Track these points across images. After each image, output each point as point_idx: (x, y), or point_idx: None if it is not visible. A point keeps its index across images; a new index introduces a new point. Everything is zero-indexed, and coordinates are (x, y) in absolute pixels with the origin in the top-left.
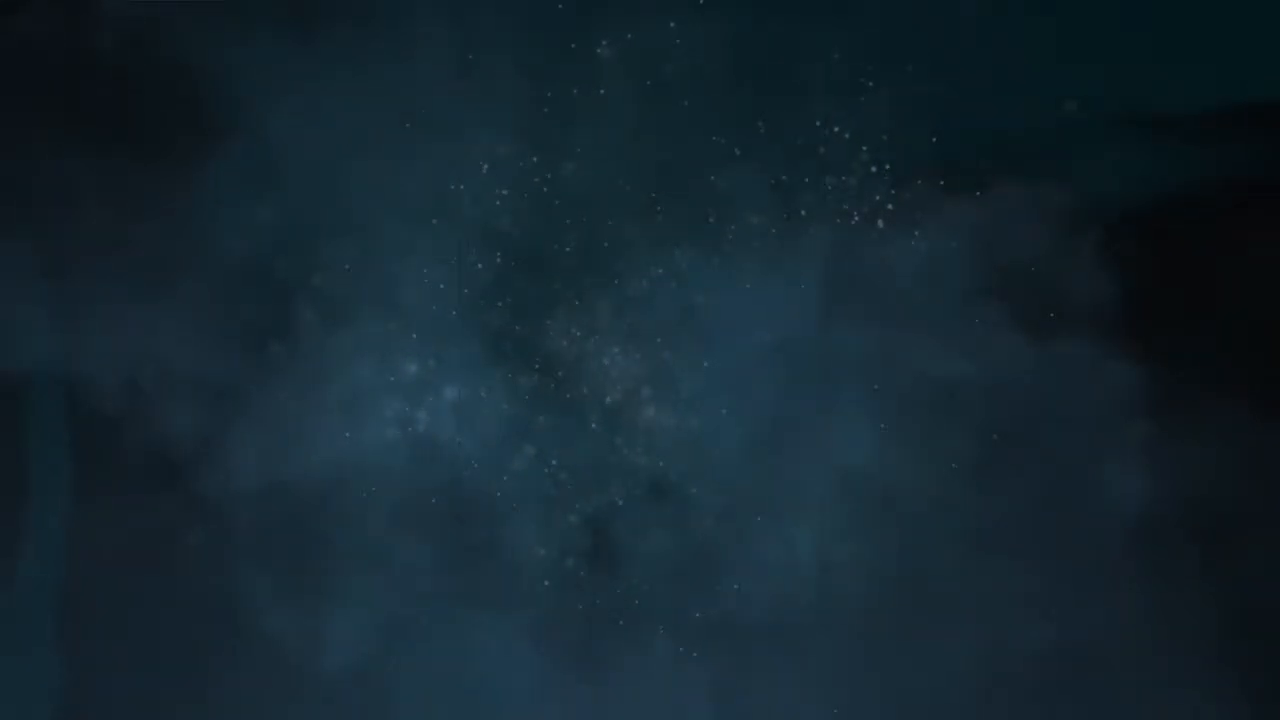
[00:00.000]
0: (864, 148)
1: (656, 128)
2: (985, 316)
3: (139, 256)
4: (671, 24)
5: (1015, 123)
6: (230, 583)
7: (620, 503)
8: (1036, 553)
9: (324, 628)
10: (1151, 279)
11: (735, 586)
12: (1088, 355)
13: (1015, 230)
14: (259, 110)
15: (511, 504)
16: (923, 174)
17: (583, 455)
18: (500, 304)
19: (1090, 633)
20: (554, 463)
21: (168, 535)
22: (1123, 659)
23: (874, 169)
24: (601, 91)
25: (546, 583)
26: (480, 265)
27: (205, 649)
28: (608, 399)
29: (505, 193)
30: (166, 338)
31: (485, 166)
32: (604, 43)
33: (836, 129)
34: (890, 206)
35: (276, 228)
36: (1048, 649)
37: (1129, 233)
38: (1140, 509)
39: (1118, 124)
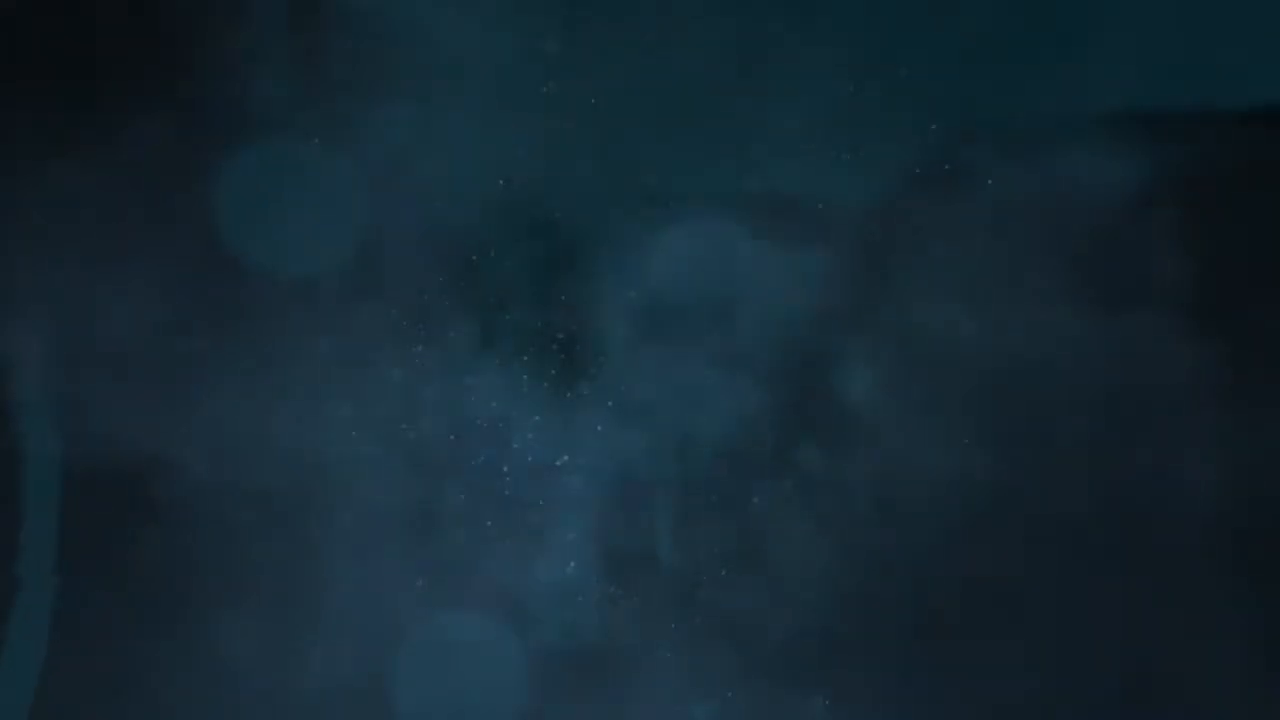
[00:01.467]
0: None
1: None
2: (1041, 295)
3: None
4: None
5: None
6: (197, 592)
7: (633, 506)
8: (1102, 553)
9: (307, 644)
10: (1226, 248)
11: (762, 596)
12: (1156, 335)
13: (1071, 202)
14: (231, 61)
15: (512, 507)
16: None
17: (589, 456)
18: (499, 292)
19: (1166, 643)
20: (565, 458)
21: (121, 540)
22: (1203, 671)
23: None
24: (592, 101)
25: (553, 586)
26: (475, 257)
27: (169, 664)
28: (612, 399)
29: (504, 182)
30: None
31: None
32: (579, 40)
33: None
34: (921, 179)
35: (252, 196)
36: (1116, 661)
37: (1199, 202)
38: (1221, 504)
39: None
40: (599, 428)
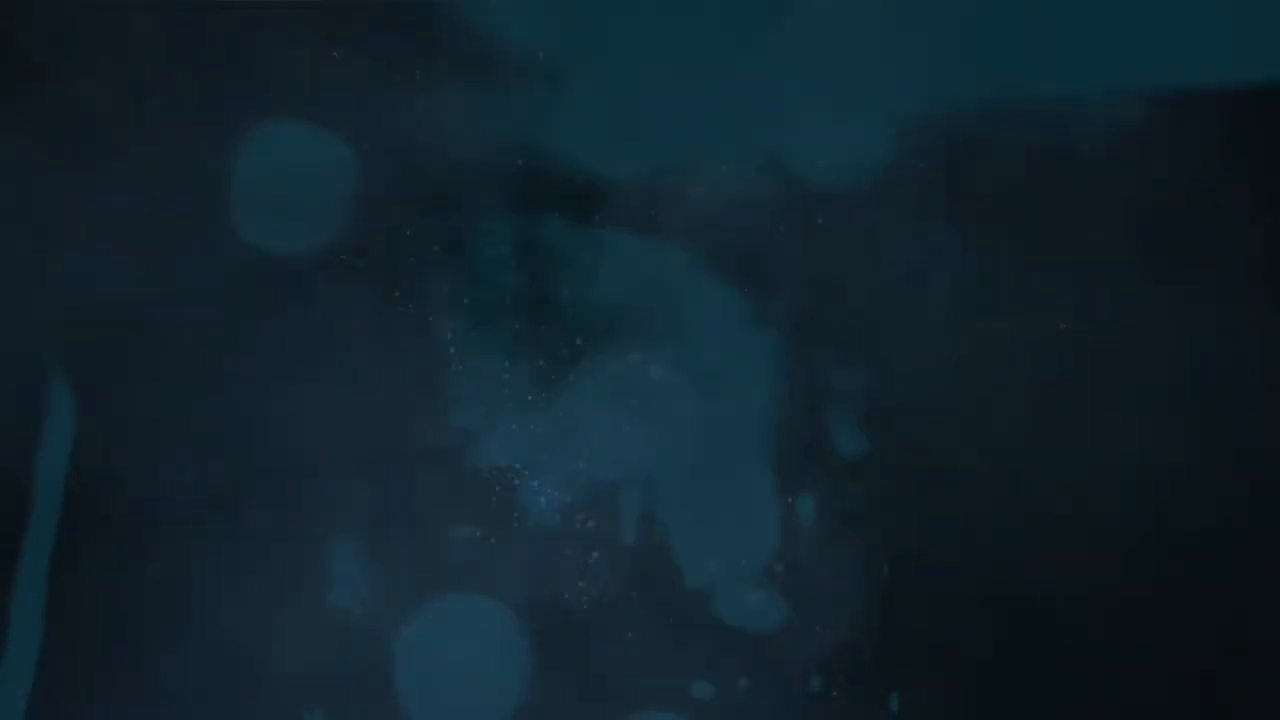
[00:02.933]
0: None
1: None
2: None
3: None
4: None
5: None
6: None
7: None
8: (1196, 552)
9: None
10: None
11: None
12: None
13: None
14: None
15: (518, 503)
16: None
17: (597, 447)
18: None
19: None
20: (579, 463)
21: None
22: None
23: None
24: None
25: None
26: (485, 253)
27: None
28: (627, 387)
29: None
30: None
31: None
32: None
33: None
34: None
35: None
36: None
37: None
38: None
39: None
40: (612, 418)
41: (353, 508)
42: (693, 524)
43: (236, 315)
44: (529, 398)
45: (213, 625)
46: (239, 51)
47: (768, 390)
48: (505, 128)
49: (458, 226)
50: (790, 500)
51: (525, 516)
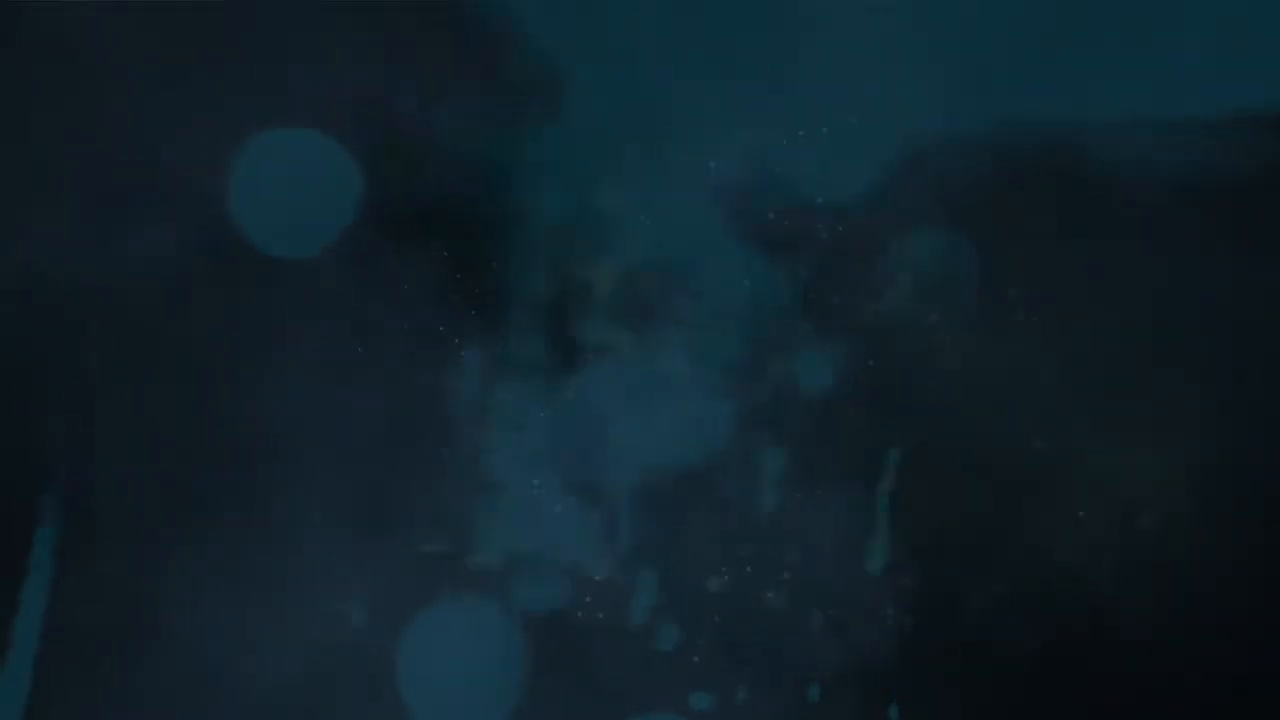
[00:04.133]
0: None
1: None
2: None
3: None
4: None
5: None
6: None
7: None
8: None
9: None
10: None
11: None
12: None
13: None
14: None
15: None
16: None
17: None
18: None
19: None
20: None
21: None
22: None
23: None
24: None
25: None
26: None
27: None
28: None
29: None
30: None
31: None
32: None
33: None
34: None
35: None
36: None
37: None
38: None
39: None
40: (617, 412)
41: (349, 509)
42: (697, 525)
43: (213, 307)
44: (528, 394)
45: (207, 629)
46: (225, 37)
47: (776, 387)
48: (512, 122)
49: (452, 216)
50: (798, 501)
51: (523, 516)
